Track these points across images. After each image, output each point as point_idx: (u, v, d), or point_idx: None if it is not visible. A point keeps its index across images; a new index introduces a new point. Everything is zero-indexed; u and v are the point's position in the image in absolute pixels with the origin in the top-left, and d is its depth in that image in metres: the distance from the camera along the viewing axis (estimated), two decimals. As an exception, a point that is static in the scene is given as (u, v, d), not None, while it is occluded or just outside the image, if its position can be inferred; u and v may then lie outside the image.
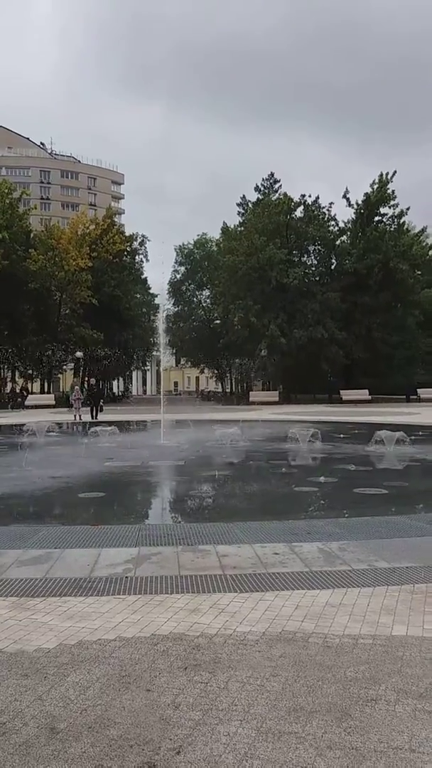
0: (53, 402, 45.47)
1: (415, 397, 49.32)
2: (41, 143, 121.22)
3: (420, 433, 21.12)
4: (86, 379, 53.41)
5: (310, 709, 3.13)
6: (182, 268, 71.77)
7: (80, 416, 30.89)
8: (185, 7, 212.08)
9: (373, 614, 4.50)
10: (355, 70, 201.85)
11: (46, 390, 55.42)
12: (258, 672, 3.55)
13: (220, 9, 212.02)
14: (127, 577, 5.41)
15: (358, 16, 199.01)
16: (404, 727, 2.96)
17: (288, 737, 2.86)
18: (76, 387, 35.87)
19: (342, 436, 20.36)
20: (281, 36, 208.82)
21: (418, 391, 49.90)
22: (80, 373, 60.14)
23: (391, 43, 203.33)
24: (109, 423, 22.72)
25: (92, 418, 30.52)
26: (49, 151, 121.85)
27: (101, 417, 30.71)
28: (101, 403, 33.17)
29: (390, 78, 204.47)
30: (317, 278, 56.10)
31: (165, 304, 69.21)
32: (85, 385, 45.14)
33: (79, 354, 54.80)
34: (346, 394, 48.14)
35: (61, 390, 66.71)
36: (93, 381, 40.25)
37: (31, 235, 54.35)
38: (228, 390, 77.06)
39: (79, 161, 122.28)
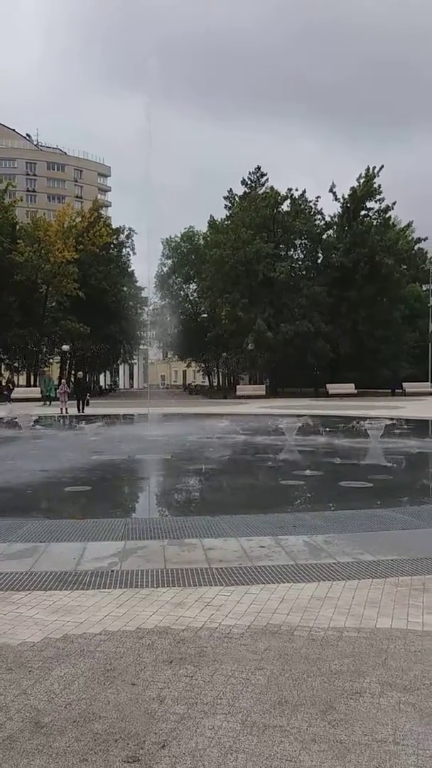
0: (40, 395, 45.29)
1: (400, 390, 49.58)
2: (27, 134, 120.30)
3: (405, 426, 21.22)
4: (73, 372, 53.21)
5: (295, 703, 3.13)
6: (169, 262, 71.61)
7: (66, 409, 30.78)
8: (173, 1, 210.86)
9: (358, 607, 4.52)
10: (343, 66, 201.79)
11: (32, 383, 55.12)
12: (243, 665, 3.55)
13: (208, 3, 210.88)
14: (112, 571, 5.40)
15: (347, 13, 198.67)
16: (388, 719, 2.97)
17: (273, 731, 2.86)
18: (63, 380, 35.73)
19: (328, 429, 20.42)
20: (269, 32, 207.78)
21: (404, 384, 50.17)
22: (67, 366, 59.93)
23: (379, 39, 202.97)
24: (96, 416, 22.66)
25: (79, 411, 30.41)
26: (35, 143, 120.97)
27: (87, 411, 30.60)
28: (87, 397, 33.00)
29: (378, 75, 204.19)
30: (304, 272, 56.21)
31: (152, 297, 69.09)
32: (72, 379, 44.99)
33: (65, 347, 54.58)
34: (333, 388, 48.31)
35: (46, 383, 66.37)
36: (80, 374, 40.08)
37: (17, 227, 53.98)
38: (215, 384, 77.10)
39: (66, 153, 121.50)
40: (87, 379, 50.00)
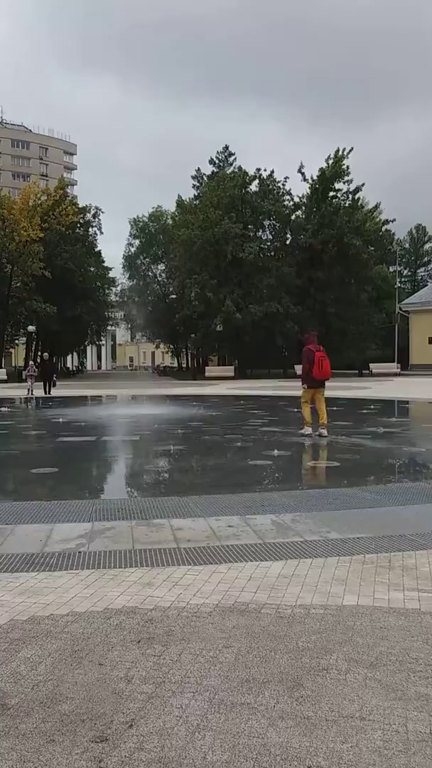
0: (5, 377, 44.74)
1: (367, 371, 50.10)
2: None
3: (372, 407, 21.44)
4: (39, 353, 52.58)
5: (262, 680, 3.15)
6: (137, 242, 70.96)
7: (33, 391, 30.48)
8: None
9: (325, 584, 4.56)
10: (309, 54, 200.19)
11: (-2, 365, 54.46)
12: (211, 644, 3.56)
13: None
14: (80, 552, 5.37)
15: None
16: (355, 695, 3.00)
17: (240, 708, 2.88)
18: (31, 362, 35.31)
19: (296, 410, 20.53)
20: (236, 19, 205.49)
21: (371, 365, 50.69)
22: (33, 348, 59.22)
23: (344, 29, 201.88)
24: (63, 398, 22.47)
25: (45, 393, 30.12)
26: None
27: (54, 392, 30.32)
28: (54, 378, 32.65)
29: (342, 63, 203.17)
30: (272, 253, 56.21)
31: (119, 278, 68.53)
32: (38, 360, 44.47)
33: (31, 328, 53.92)
34: (301, 369, 48.60)
35: (13, 365, 65.59)
36: (45, 355, 39.63)
37: (-19, 205, 52.96)
38: (184, 365, 76.94)
39: (31, 131, 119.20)
40: (53, 361, 49.53)
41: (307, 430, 13.38)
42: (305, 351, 13.58)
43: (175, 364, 79.87)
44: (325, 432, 13.06)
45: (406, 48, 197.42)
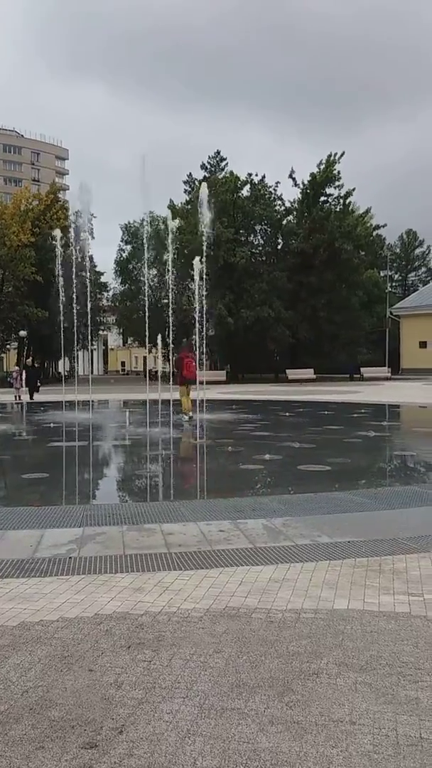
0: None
1: (358, 375, 50.25)
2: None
3: (363, 410, 21.50)
4: (25, 358, 52.38)
5: (252, 685, 3.15)
6: (128, 247, 70.89)
7: (20, 396, 30.37)
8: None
9: (316, 589, 4.56)
10: (297, 62, 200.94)
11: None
12: (201, 649, 3.56)
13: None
14: (70, 558, 5.35)
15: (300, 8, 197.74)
16: (345, 700, 3.00)
17: (230, 713, 2.87)
18: (17, 367, 35.19)
19: (288, 414, 20.57)
20: (225, 27, 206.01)
21: (361, 369, 50.84)
22: (24, 353, 59.02)
23: (330, 37, 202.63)
24: (52, 403, 22.43)
25: (29, 398, 29.91)
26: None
27: (41, 398, 30.09)
28: (38, 384, 32.21)
29: (329, 71, 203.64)
30: (264, 258, 56.29)
31: (111, 282, 68.46)
32: (24, 365, 44.28)
33: (23, 333, 53.77)
34: (292, 374, 48.66)
35: (4, 369, 65.35)
36: (29, 360, 39.31)
37: (-28, 210, 52.83)
38: (175, 370, 76.90)
39: (23, 135, 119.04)
40: (37, 365, 49.27)
41: (185, 417, 17.35)
42: (178, 358, 18.47)
43: (167, 369, 79.93)
44: (190, 415, 17.32)
45: (390, 56, 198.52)
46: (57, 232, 24.83)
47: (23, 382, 31.38)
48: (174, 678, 3.22)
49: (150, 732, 2.72)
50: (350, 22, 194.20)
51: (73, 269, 21.07)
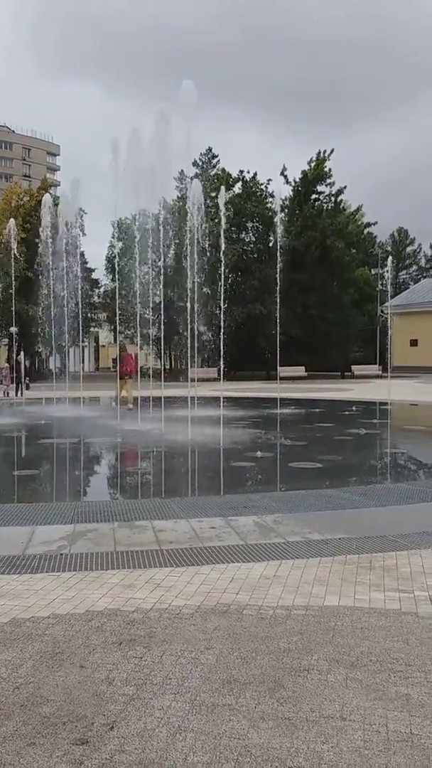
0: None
1: (349, 373, 50.37)
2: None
3: (354, 408, 21.55)
4: (16, 355, 52.15)
5: (243, 681, 3.15)
6: (120, 244, 70.76)
7: (8, 393, 30.32)
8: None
9: (306, 585, 4.57)
10: (286, 62, 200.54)
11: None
12: (192, 645, 3.56)
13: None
14: (62, 554, 5.34)
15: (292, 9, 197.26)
16: (336, 696, 3.01)
17: (221, 709, 2.88)
18: (6, 363, 35.07)
19: (279, 411, 20.58)
20: (215, 28, 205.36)
21: (353, 367, 50.97)
22: (13, 349, 58.85)
23: (319, 38, 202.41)
24: (42, 400, 22.38)
25: (18, 395, 29.80)
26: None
27: (30, 394, 29.99)
28: (26, 381, 32.07)
29: (319, 71, 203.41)
30: (255, 255, 56.27)
31: (102, 279, 68.31)
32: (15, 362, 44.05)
33: (13, 329, 53.56)
34: (283, 371, 48.63)
35: (-5, 366, 65.11)
36: (19, 357, 39.12)
37: (-38, 205, 52.57)
38: (167, 366, 76.84)
39: (14, 131, 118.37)
40: (26, 362, 49.06)
41: (129, 406, 19.49)
42: (119, 356, 21.83)
43: (158, 366, 79.73)
44: (131, 406, 19.32)
45: (378, 56, 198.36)
46: (47, 198, 24.86)
47: (12, 378, 31.35)
48: (165, 674, 3.22)
49: (141, 728, 2.72)
50: (343, 23, 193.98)
51: (64, 264, 21.14)
